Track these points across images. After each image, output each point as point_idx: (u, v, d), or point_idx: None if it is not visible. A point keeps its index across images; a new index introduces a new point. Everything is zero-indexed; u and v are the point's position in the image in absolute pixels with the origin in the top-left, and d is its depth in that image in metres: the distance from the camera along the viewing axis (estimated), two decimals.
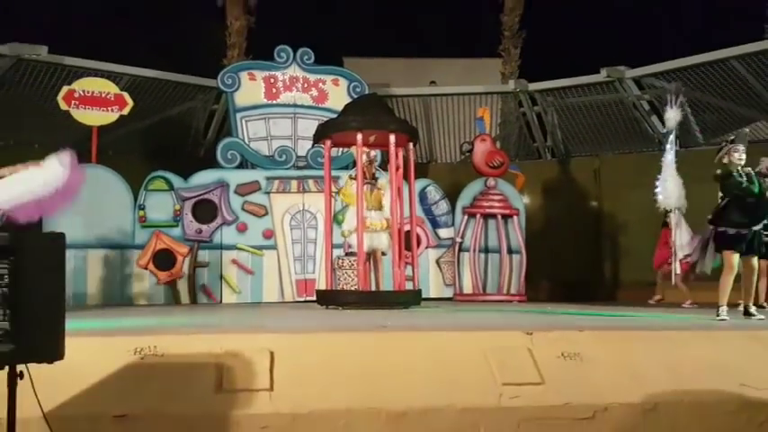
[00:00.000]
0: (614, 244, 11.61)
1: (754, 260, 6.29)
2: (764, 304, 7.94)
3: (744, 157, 6.14)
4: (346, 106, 8.71)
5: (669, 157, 8.47)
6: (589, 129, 12.46)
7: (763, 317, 6.17)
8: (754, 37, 11.37)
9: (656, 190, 8.54)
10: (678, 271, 8.44)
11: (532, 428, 3.76)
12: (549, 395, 3.85)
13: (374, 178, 8.22)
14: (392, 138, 7.85)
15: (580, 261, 11.62)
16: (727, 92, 10.92)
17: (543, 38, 15.32)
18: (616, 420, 3.86)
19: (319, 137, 8.48)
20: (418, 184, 9.96)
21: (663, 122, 11.78)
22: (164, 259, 9.57)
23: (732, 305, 6.25)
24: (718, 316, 6.06)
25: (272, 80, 10.74)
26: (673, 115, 8.69)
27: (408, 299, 7.81)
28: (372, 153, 8.19)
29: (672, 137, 8.63)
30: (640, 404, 3.90)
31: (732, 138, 6.33)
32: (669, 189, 8.36)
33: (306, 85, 10.82)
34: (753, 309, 6.31)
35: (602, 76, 11.76)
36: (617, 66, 11.65)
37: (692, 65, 10.97)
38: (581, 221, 11.85)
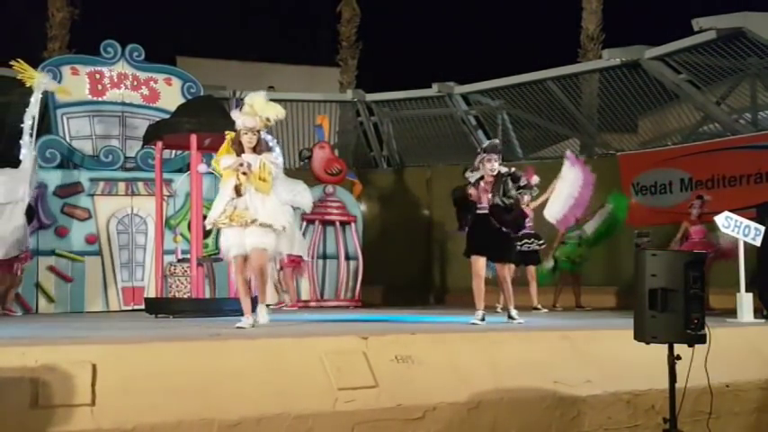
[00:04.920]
0: (443, 250, 12.13)
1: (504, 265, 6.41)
2: (539, 306, 8.70)
3: (496, 165, 6.21)
4: (180, 107, 8.43)
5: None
6: (422, 140, 12.99)
7: (522, 320, 6.26)
8: (568, 60, 12.45)
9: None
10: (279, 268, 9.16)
11: (366, 431, 3.83)
12: (383, 398, 3.94)
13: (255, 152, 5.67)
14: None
15: (412, 267, 12.03)
16: (544, 110, 11.84)
17: (379, 50, 15.75)
18: (443, 419, 4.04)
19: (150, 138, 8.15)
20: None
21: (488, 137, 12.62)
22: None
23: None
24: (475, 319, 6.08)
25: (97, 76, 10.11)
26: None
27: None
28: (251, 123, 5.69)
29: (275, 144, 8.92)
30: (465, 403, 4.11)
31: (484, 147, 6.45)
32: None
33: (135, 83, 10.29)
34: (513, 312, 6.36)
35: (434, 90, 12.33)
36: (447, 81, 12.25)
37: (513, 84, 11.78)
38: (414, 229, 12.29)
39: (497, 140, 7.00)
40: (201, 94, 10.40)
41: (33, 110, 8.71)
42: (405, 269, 11.74)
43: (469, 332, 5.22)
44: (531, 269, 8.78)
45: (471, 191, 6.26)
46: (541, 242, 8.79)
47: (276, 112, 5.83)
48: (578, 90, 11.55)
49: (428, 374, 4.19)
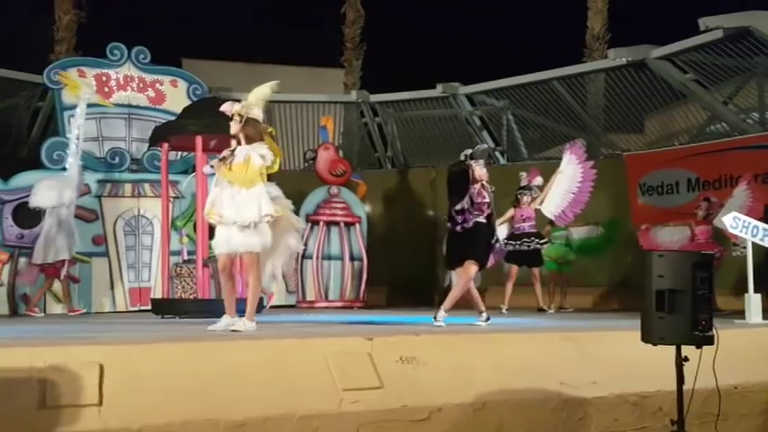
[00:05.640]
0: None
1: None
2: (544, 307, 8.68)
3: (484, 171, 6.32)
4: (185, 109, 8.46)
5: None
6: (426, 141, 12.99)
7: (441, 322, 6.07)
8: (573, 60, 12.41)
9: None
10: None
11: None
12: (388, 399, 3.94)
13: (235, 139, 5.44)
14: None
15: (417, 267, 12.01)
16: (550, 111, 11.81)
17: (384, 51, 15.73)
18: (449, 420, 4.03)
19: (156, 139, 8.17)
20: None
21: (493, 138, 12.63)
22: None
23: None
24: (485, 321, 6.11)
25: (104, 78, 10.16)
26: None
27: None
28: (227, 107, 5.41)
29: None
30: (471, 404, 4.11)
31: (471, 153, 6.44)
32: None
33: (141, 86, 10.34)
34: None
35: (438, 91, 12.32)
36: (451, 82, 12.24)
37: (518, 84, 11.76)
38: (418, 230, 12.27)
39: (486, 145, 7.04)
40: (207, 95, 10.43)
41: (79, 119, 8.88)
42: (409, 270, 11.72)
43: (474, 333, 5.22)
44: (535, 270, 8.76)
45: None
46: (543, 241, 8.75)
47: (260, 94, 5.38)
48: (584, 90, 11.52)
49: (433, 375, 4.18)
